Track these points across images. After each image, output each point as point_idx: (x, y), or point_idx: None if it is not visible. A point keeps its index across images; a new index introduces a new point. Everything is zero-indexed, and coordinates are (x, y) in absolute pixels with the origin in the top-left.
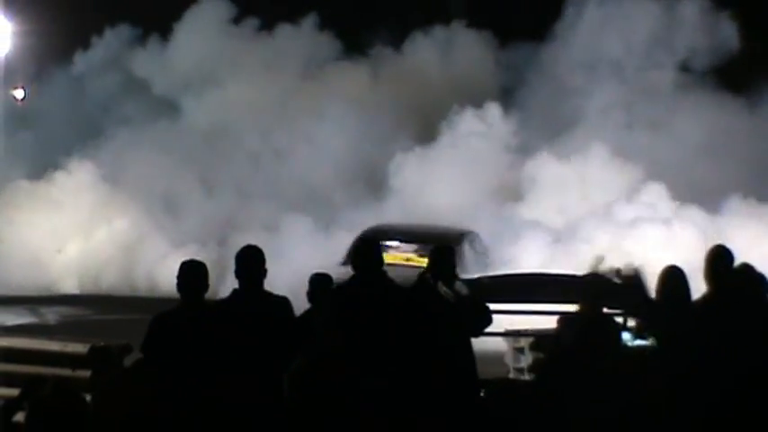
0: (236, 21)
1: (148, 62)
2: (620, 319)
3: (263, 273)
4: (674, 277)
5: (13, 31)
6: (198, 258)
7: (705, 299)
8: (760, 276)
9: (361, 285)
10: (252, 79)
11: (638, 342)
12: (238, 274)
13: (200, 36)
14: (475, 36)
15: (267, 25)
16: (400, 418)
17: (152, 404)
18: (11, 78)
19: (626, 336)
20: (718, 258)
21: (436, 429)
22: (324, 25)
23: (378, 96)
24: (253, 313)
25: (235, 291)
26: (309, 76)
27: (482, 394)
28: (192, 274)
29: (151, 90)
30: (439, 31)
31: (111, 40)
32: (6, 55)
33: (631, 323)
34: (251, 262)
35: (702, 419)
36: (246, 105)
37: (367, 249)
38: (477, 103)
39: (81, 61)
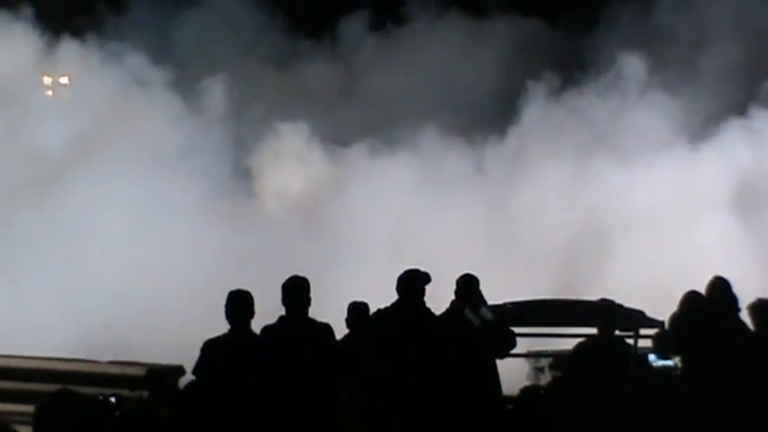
0: None
1: None
2: (631, 341)
3: (308, 301)
4: (695, 300)
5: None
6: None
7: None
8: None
9: (399, 312)
10: None
11: (662, 362)
12: (285, 302)
13: None
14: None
15: None
16: None
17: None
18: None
19: (651, 357)
20: (722, 288)
21: None
22: None
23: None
24: (298, 339)
25: (281, 318)
26: None
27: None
28: (239, 303)
29: None
30: None
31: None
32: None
33: (644, 343)
34: (297, 291)
35: None
36: None
37: (415, 280)
38: None
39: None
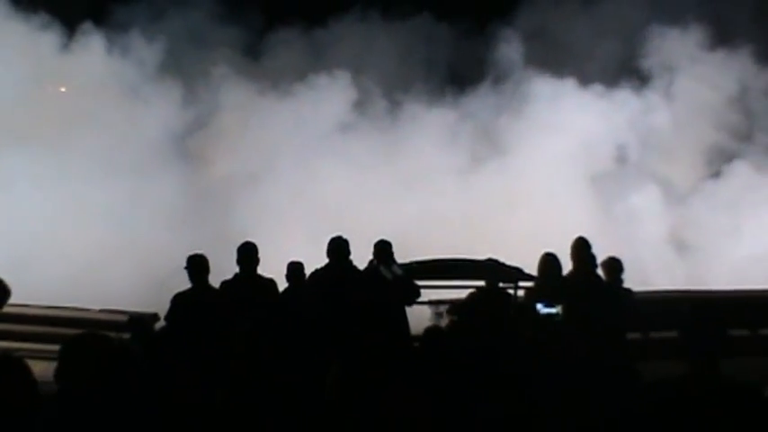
0: None
1: None
2: (511, 291)
3: (257, 261)
4: (552, 261)
5: None
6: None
7: (573, 276)
8: (615, 260)
9: (331, 270)
10: None
11: (548, 310)
12: (239, 262)
13: None
14: None
15: None
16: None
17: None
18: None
19: (539, 306)
20: (583, 246)
21: (381, 373)
22: None
23: None
24: (249, 291)
25: (236, 274)
26: None
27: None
28: (197, 264)
29: None
30: None
31: None
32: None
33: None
34: (248, 254)
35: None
36: None
37: (340, 246)
38: None
39: None
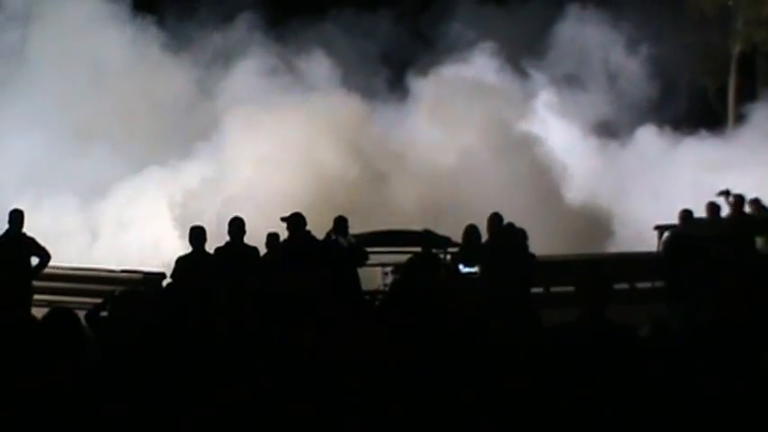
0: None
1: None
2: (441, 255)
3: (244, 232)
4: (473, 231)
5: None
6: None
7: (489, 243)
8: (521, 231)
9: (292, 242)
10: None
11: (468, 270)
12: (229, 232)
13: None
14: None
15: None
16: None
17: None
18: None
19: (460, 266)
20: (495, 220)
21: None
22: None
23: None
24: (237, 254)
25: (227, 242)
26: None
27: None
28: (197, 235)
29: None
30: None
31: None
32: None
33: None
34: (237, 227)
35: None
36: None
37: (299, 221)
38: None
39: None
